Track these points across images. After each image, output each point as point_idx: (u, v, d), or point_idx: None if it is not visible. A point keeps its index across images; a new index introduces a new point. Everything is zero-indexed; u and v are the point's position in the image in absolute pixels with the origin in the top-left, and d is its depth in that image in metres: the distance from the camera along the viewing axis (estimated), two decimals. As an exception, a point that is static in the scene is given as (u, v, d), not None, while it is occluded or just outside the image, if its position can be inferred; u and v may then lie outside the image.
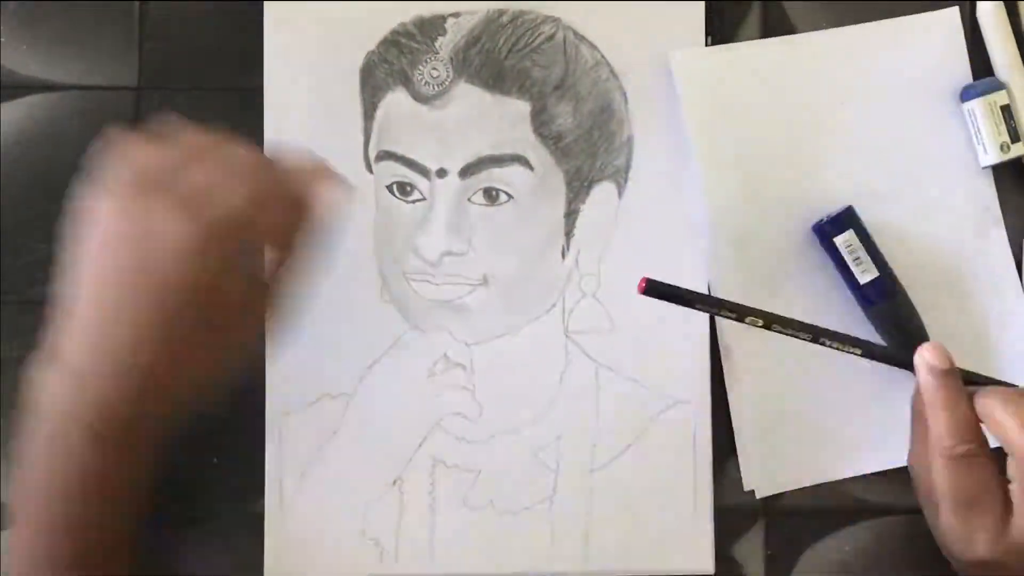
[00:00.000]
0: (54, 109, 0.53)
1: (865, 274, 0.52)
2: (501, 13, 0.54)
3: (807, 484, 0.54)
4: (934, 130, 0.54)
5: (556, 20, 0.54)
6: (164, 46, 0.54)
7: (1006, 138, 0.53)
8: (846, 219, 0.52)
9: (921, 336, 0.52)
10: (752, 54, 0.54)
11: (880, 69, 0.54)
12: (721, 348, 0.54)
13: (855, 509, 0.54)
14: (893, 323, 0.53)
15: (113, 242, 0.42)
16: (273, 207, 0.43)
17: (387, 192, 0.53)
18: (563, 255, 0.54)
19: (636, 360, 0.53)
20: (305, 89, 0.53)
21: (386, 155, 0.53)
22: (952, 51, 0.54)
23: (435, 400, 0.53)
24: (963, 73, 0.54)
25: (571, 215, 0.54)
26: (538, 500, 0.53)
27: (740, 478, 0.54)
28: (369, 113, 0.53)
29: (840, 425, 0.54)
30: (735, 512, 0.54)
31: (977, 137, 0.53)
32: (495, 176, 0.53)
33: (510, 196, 0.53)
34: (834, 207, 0.53)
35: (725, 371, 0.53)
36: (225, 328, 0.44)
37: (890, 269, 0.53)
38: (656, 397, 0.53)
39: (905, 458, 0.50)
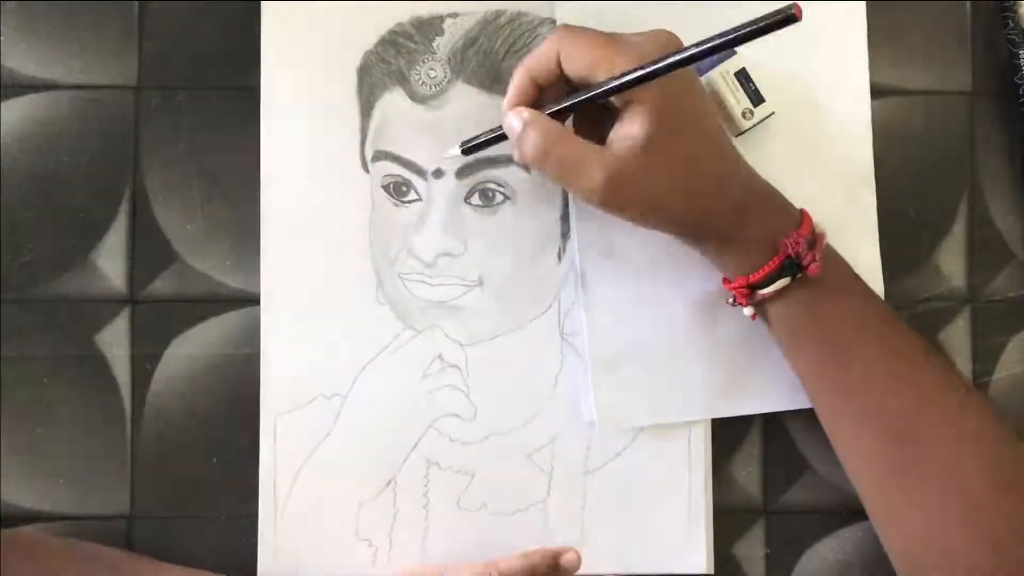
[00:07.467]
0: (54, 109, 0.54)
1: None
2: (499, 14, 0.54)
3: (648, 423, 0.52)
4: (830, 88, 0.54)
5: (553, 21, 0.53)
6: (163, 46, 0.54)
7: (748, 105, 0.52)
8: None
9: None
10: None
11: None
12: (576, 274, 0.53)
13: (855, 509, 0.53)
14: None
15: None
16: None
17: (383, 192, 0.53)
18: (559, 257, 0.53)
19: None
20: (302, 88, 0.53)
21: (383, 155, 0.53)
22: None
23: (429, 401, 0.53)
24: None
25: (567, 217, 0.53)
26: (532, 502, 0.53)
27: (741, 477, 0.54)
28: (366, 112, 0.53)
29: (690, 366, 0.52)
30: (735, 512, 0.54)
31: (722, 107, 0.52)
32: (491, 176, 0.53)
33: (506, 197, 0.53)
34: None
35: (577, 298, 0.53)
36: None
37: None
38: (651, 399, 0.53)
39: (755, 407, 0.53)
